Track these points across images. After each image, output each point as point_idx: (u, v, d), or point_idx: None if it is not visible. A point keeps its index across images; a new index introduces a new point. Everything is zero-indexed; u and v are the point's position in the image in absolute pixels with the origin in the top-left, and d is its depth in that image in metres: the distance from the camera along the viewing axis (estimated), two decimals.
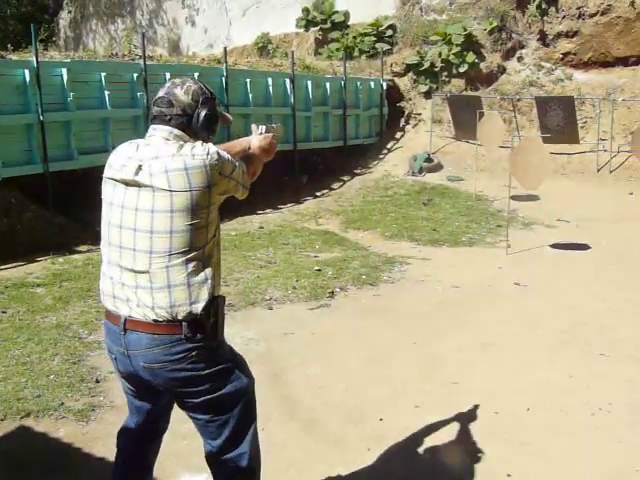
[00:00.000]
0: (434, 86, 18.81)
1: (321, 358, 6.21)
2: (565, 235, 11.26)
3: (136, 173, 2.82)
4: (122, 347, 2.90)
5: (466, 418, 4.90)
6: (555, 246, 10.58)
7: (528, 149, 10.32)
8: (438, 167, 16.98)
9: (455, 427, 4.79)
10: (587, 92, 17.64)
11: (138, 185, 2.82)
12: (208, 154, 2.82)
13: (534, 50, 19.21)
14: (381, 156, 17.94)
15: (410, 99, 19.12)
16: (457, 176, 16.26)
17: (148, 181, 2.79)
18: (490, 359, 6.18)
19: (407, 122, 19.03)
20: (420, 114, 18.85)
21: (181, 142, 2.88)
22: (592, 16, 18.26)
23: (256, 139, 3.38)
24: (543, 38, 19.12)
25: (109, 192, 2.94)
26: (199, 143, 2.88)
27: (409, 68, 19.25)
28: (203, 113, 2.95)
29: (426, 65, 18.81)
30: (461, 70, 18.59)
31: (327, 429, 4.86)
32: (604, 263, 9.65)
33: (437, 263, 9.69)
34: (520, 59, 19.23)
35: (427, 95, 18.88)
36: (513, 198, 11.72)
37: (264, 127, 3.43)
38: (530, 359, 6.16)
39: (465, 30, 18.63)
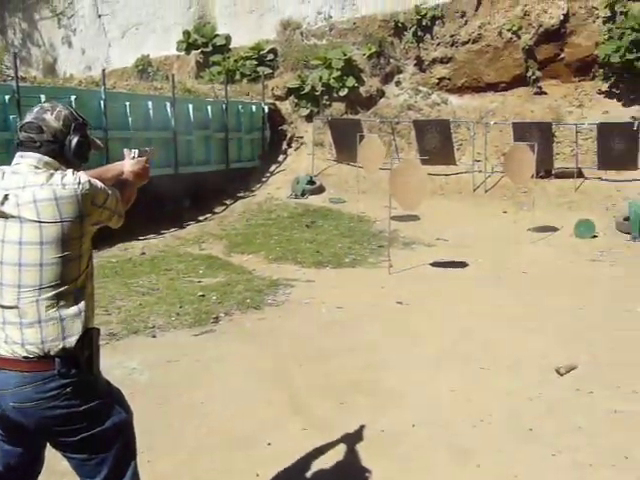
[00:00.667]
0: (315, 109, 19.06)
1: (206, 385, 6.10)
2: (444, 253, 11.61)
3: (1, 203, 2.68)
4: None
5: (353, 438, 4.92)
6: (435, 264, 10.88)
7: (407, 171, 10.61)
8: (320, 189, 17.17)
9: (342, 448, 4.80)
10: (462, 115, 18.34)
11: (4, 216, 2.69)
12: (79, 183, 2.72)
13: (411, 75, 19.83)
14: (264, 179, 17.98)
15: (292, 122, 19.29)
16: (339, 198, 16.48)
17: (15, 212, 2.66)
18: (375, 377, 6.25)
19: (289, 145, 19.17)
20: (302, 137, 19.04)
21: (51, 170, 2.76)
22: (464, 44, 19.04)
23: (129, 164, 3.27)
24: (420, 64, 19.77)
25: None
26: (70, 172, 2.77)
27: (290, 92, 19.44)
28: (75, 140, 2.84)
29: (307, 89, 19.05)
30: (341, 94, 18.94)
31: (214, 456, 4.76)
32: (482, 280, 10.00)
33: (321, 284, 9.76)
34: (398, 83, 19.79)
35: (308, 118, 19.10)
36: (394, 218, 11.99)
37: (136, 151, 3.33)
38: (414, 376, 6.28)
39: (345, 55, 19.02)
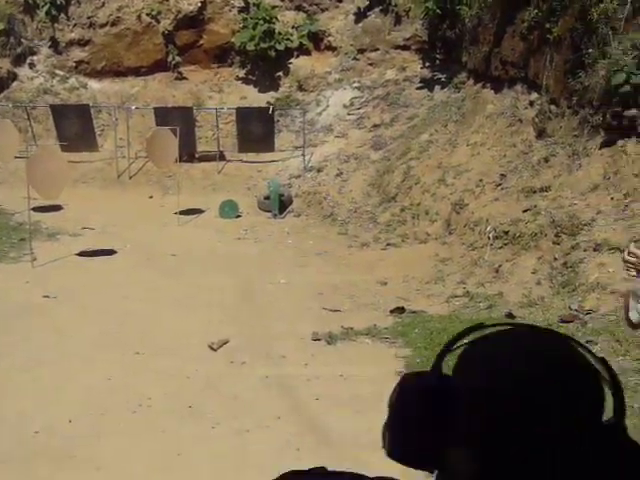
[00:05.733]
0: None
1: None
2: (92, 242, 11.24)
3: None
4: None
5: (5, 445, 4.56)
6: (83, 254, 10.50)
7: (45, 158, 10.08)
8: None
9: None
10: (103, 100, 17.87)
11: None
12: None
13: (46, 57, 18.78)
14: None
15: None
16: None
17: None
18: (29, 378, 5.84)
19: None
20: None
21: None
22: (103, 26, 18.51)
23: None
24: (55, 45, 18.79)
25: None
26: None
27: None
28: None
29: None
30: None
31: None
32: (132, 265, 9.89)
33: None
34: (32, 66, 18.61)
35: None
36: (35, 210, 11.31)
37: None
38: (68, 370, 6.01)
39: None
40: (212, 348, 6.53)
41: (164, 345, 6.61)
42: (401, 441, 0.95)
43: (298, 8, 17.16)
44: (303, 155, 15.43)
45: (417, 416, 0.92)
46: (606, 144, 9.12)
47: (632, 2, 8.99)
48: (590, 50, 9.61)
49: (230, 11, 17.82)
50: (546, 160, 9.98)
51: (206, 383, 5.74)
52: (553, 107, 10.59)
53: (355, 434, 4.76)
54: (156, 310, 7.74)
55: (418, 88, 15.48)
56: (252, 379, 5.82)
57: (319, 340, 6.84)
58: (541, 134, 10.64)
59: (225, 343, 6.66)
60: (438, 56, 15.63)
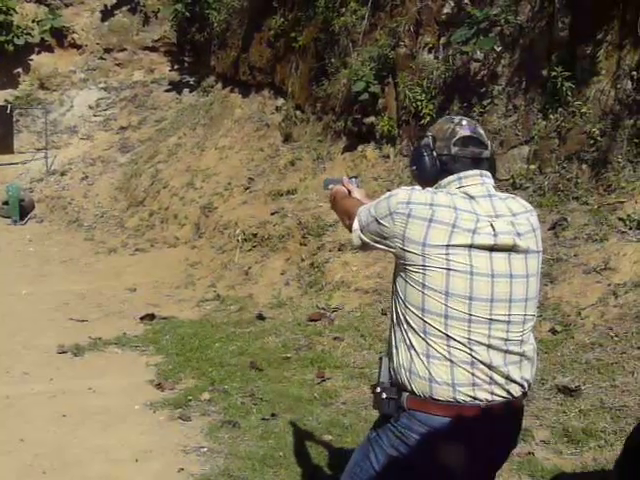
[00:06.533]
0: None
1: None
2: None
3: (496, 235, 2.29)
4: None
5: None
6: None
7: None
8: None
9: None
10: None
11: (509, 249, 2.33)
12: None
13: None
14: None
15: None
16: None
17: (521, 243, 2.34)
18: None
19: None
20: None
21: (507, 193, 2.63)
22: None
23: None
24: None
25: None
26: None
27: None
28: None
29: None
30: None
31: None
32: None
33: None
34: None
35: None
36: None
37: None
38: None
39: None
40: None
41: None
42: None
43: (39, 1, 16.18)
44: (46, 157, 14.65)
45: None
46: (348, 149, 9.64)
47: (368, 18, 9.58)
48: (332, 60, 10.10)
49: None
50: (292, 164, 10.33)
51: None
52: (299, 113, 10.99)
53: (106, 450, 4.57)
54: None
55: (166, 90, 15.34)
56: None
57: (65, 353, 6.48)
58: (287, 139, 11.00)
59: None
60: (187, 59, 15.60)
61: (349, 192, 2.82)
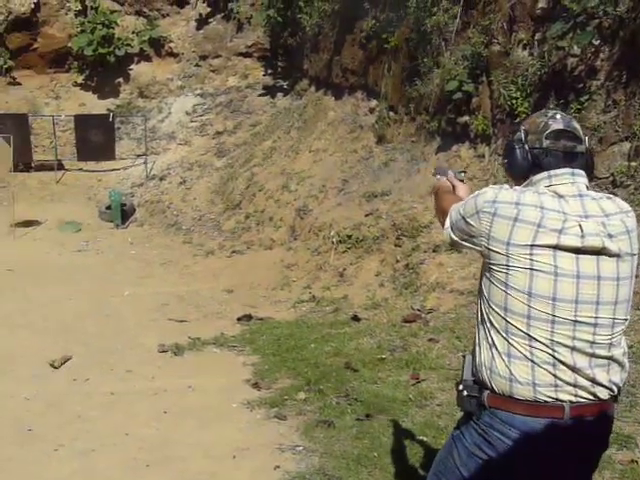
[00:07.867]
0: None
1: None
2: None
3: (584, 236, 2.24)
4: None
5: None
6: None
7: None
8: None
9: None
10: None
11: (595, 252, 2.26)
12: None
13: None
14: None
15: None
16: None
17: (611, 245, 2.28)
18: None
19: None
20: None
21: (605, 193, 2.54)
22: None
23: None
24: None
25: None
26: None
27: None
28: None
29: None
30: None
31: None
32: None
33: None
34: None
35: None
36: None
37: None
38: None
39: None
40: (53, 366, 6.23)
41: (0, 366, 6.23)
42: None
43: (138, 13, 16.79)
44: (145, 163, 15.10)
45: None
46: (442, 149, 9.54)
47: (461, 16, 9.47)
48: (425, 59, 10.03)
49: (66, 14, 17.13)
50: (386, 165, 10.31)
51: (47, 403, 5.45)
52: (392, 114, 10.95)
53: (205, 446, 4.70)
54: None
55: (260, 95, 15.55)
56: (97, 397, 5.60)
57: (166, 352, 6.69)
58: (381, 140, 10.98)
59: (67, 360, 6.38)
60: (280, 63, 15.78)
61: (453, 188, 2.80)
